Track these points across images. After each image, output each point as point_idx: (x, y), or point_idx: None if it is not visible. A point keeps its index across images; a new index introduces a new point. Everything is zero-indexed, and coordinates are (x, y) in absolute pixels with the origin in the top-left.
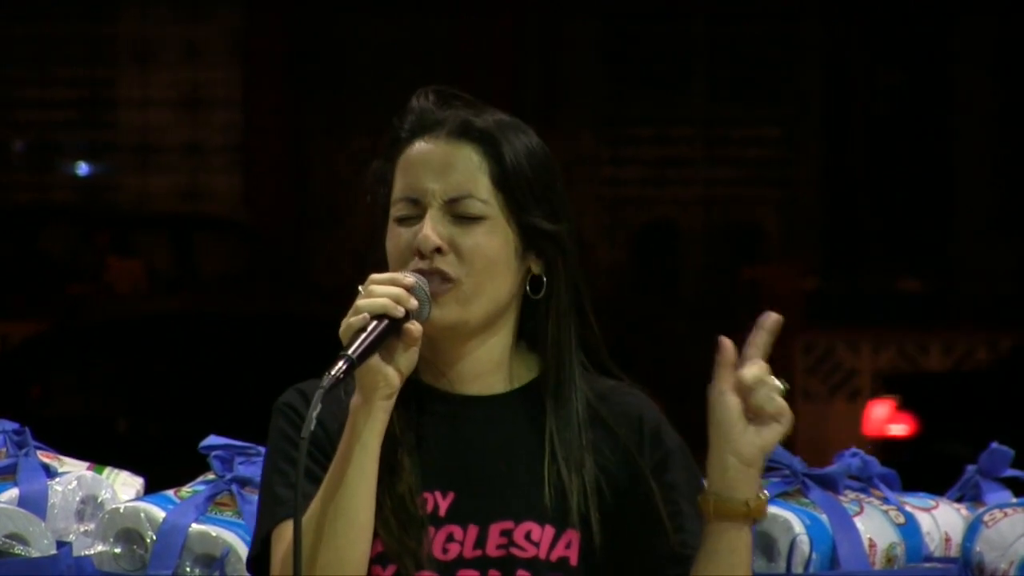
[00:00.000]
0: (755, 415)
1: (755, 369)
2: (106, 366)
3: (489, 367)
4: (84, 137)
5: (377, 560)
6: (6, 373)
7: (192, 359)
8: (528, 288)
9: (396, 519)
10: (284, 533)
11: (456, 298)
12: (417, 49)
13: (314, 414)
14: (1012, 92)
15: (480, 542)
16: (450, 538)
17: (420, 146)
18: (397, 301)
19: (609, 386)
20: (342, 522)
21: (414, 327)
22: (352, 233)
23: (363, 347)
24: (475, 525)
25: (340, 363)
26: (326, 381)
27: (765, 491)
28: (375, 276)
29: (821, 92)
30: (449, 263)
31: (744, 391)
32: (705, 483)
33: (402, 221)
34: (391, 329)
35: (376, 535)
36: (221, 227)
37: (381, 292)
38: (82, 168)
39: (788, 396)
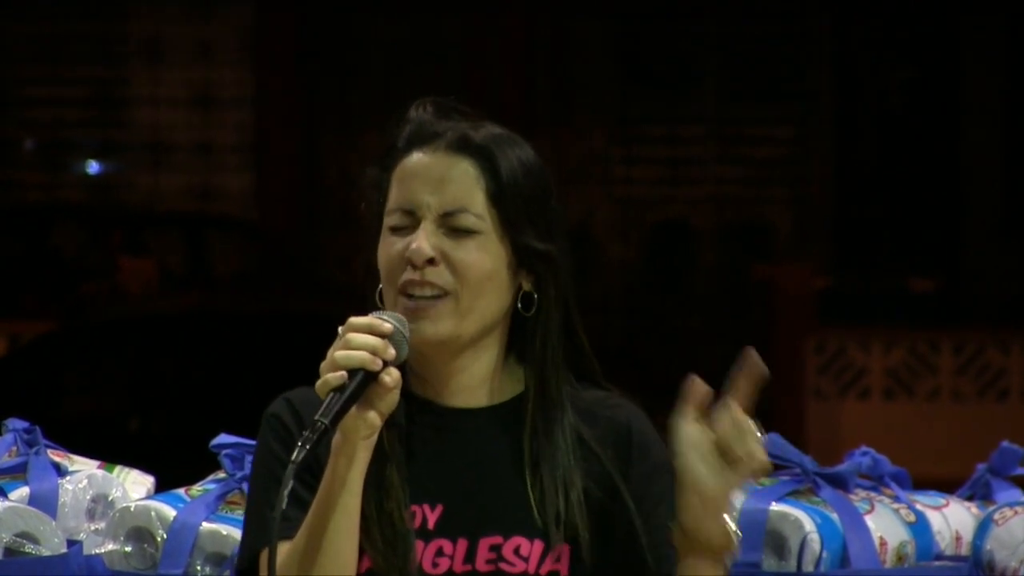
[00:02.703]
0: (729, 458)
1: (734, 413)
2: (117, 365)
3: (478, 380)
4: (95, 136)
5: None
6: (17, 372)
7: (203, 358)
8: (519, 305)
9: (383, 535)
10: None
11: (450, 312)
12: (428, 48)
13: (285, 492)
14: (1023, 90)
15: (469, 557)
16: (440, 552)
17: (417, 157)
18: (374, 353)
19: (597, 397)
20: (326, 559)
21: (389, 379)
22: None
23: (338, 407)
24: (464, 539)
25: (316, 426)
26: (298, 454)
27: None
28: (353, 321)
29: (832, 91)
30: (440, 275)
31: (720, 435)
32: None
33: (396, 231)
34: (368, 381)
35: (364, 551)
36: (233, 226)
37: (359, 344)
38: (93, 167)
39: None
